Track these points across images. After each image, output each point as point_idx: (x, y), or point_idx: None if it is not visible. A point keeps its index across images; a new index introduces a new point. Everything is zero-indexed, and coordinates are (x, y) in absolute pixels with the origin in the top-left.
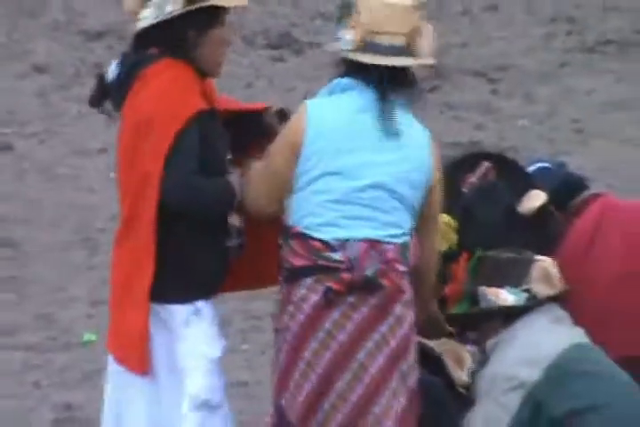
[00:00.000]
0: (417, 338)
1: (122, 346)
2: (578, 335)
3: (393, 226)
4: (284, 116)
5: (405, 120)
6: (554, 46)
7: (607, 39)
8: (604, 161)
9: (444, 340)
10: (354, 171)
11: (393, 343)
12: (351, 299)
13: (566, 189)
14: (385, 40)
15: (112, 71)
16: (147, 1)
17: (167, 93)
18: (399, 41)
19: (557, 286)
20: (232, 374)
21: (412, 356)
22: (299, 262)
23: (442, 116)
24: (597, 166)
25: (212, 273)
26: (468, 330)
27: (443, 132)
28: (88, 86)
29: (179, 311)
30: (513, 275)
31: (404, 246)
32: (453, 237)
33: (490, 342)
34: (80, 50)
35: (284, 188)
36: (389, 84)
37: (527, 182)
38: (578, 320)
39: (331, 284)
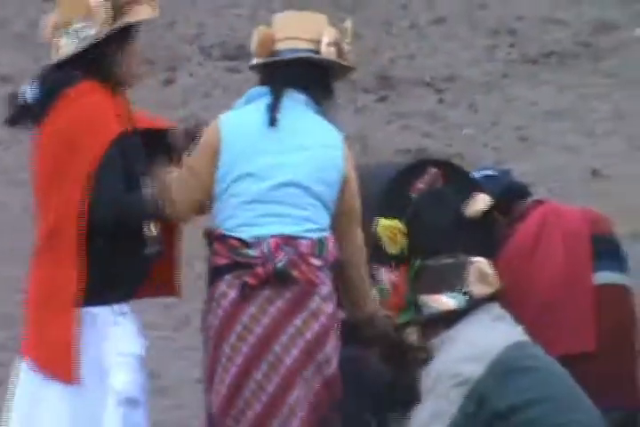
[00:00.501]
0: (335, 329)
1: (48, 355)
2: (518, 333)
3: (308, 221)
4: (190, 135)
5: (313, 121)
6: (497, 58)
7: (548, 51)
8: (545, 167)
9: None
10: (266, 172)
11: (308, 335)
12: (267, 293)
13: (510, 196)
14: (288, 45)
15: (31, 89)
16: (62, 29)
17: (91, 117)
18: (302, 45)
19: (494, 284)
20: (197, 371)
21: (329, 347)
22: (220, 261)
23: (391, 124)
24: (539, 172)
25: (132, 278)
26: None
27: (392, 139)
28: None
29: (102, 314)
30: (451, 280)
31: (320, 241)
32: (404, 242)
33: (433, 342)
34: (44, 60)
35: (206, 194)
36: (290, 85)
37: (473, 187)
38: (520, 319)
39: (247, 279)
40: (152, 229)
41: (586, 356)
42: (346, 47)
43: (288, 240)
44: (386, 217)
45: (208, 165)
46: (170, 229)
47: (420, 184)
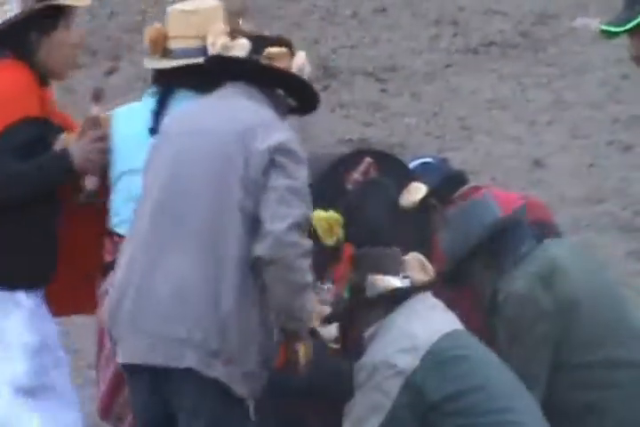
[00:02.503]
0: None
1: None
2: (452, 322)
3: None
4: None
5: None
6: (439, 48)
7: (490, 41)
8: (487, 156)
9: None
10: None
11: None
12: None
13: (448, 183)
14: (178, 44)
15: None
16: None
17: (5, 92)
18: (192, 44)
19: (431, 274)
20: None
21: None
22: (107, 259)
23: (333, 114)
24: (481, 161)
25: (37, 261)
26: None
27: (334, 129)
28: None
29: (2, 299)
30: (391, 266)
31: None
32: (339, 232)
33: (368, 332)
34: None
35: None
36: (180, 86)
37: (408, 176)
38: (454, 308)
39: None
40: (90, 182)
41: None
42: (240, 42)
43: None
44: (321, 208)
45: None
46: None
47: (355, 175)
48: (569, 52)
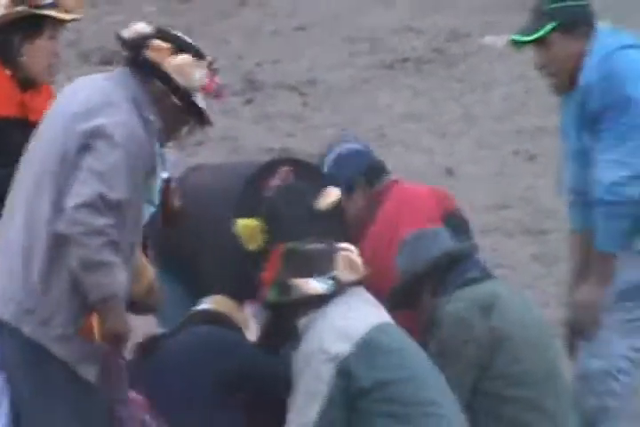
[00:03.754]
0: None
1: None
2: (384, 316)
3: None
4: None
5: None
6: (357, 63)
7: (405, 57)
8: (403, 165)
9: (218, 299)
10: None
11: None
12: None
13: (374, 170)
14: None
15: None
16: None
17: None
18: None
19: (360, 271)
20: None
21: None
22: None
23: (257, 125)
24: (397, 171)
25: None
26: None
27: (259, 139)
28: None
29: None
30: (320, 264)
31: None
32: (260, 238)
33: (302, 323)
34: None
35: None
36: None
37: (322, 181)
38: (383, 304)
39: None
40: None
41: None
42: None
43: None
44: (242, 217)
45: None
46: None
47: (273, 183)
48: (478, 69)
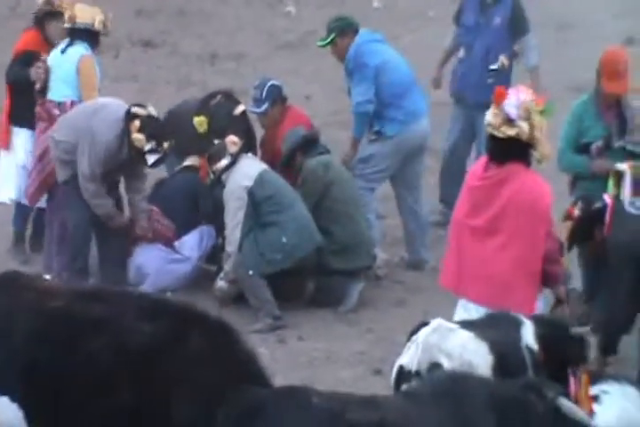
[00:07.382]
0: None
1: None
2: (265, 166)
3: None
4: None
5: None
6: None
7: None
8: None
9: (193, 158)
10: None
11: None
12: None
13: (280, 95)
14: None
15: None
16: None
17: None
18: None
19: (239, 144)
20: None
21: None
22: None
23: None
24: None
25: None
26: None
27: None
28: None
29: None
30: (223, 151)
31: None
32: (205, 126)
33: (225, 175)
34: None
35: None
36: None
37: (236, 100)
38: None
39: None
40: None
41: None
42: None
43: None
44: (197, 116)
45: None
46: None
47: (212, 102)
48: None
